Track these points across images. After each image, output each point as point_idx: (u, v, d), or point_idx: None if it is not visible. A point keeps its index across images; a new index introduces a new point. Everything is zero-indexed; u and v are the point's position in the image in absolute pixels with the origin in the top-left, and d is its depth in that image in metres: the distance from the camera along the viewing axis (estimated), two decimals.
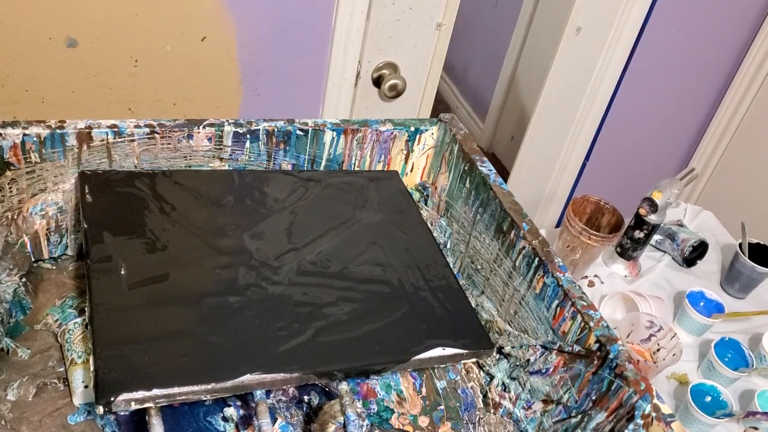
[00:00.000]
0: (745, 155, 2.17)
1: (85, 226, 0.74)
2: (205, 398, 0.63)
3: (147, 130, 0.79)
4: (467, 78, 3.38)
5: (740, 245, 1.39)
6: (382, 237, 0.86)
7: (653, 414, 0.63)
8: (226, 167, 0.87)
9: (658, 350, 1.13)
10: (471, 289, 0.91)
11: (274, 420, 0.68)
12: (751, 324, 1.34)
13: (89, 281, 0.68)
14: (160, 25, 1.15)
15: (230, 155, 0.86)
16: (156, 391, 0.60)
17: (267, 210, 0.83)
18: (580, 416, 0.70)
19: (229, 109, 1.32)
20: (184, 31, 1.17)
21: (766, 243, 1.40)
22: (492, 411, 0.78)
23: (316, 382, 0.71)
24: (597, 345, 0.70)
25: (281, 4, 1.22)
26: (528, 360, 0.77)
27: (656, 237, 1.45)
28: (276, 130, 0.86)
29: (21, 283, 0.75)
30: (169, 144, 0.81)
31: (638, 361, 1.12)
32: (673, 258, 1.47)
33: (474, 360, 0.81)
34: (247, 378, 0.64)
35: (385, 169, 0.97)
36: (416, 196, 0.99)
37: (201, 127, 0.82)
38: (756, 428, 1.11)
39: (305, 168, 0.91)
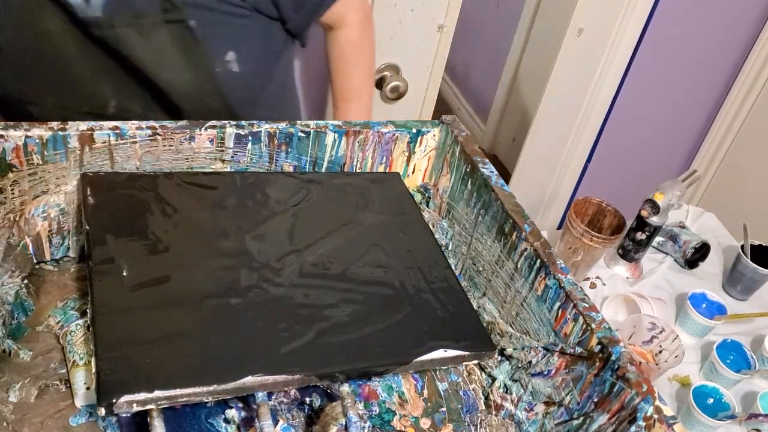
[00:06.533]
0: (747, 157, 2.17)
1: (87, 227, 0.74)
2: (206, 400, 0.63)
3: (149, 132, 0.79)
4: (469, 80, 3.39)
5: (742, 247, 1.39)
6: (383, 239, 0.86)
7: (655, 416, 0.63)
8: (228, 169, 0.87)
9: (660, 352, 1.13)
10: (473, 291, 0.90)
11: (275, 422, 0.68)
12: (754, 326, 1.33)
13: (91, 283, 0.68)
14: None
15: (232, 157, 0.86)
16: (158, 393, 0.60)
17: (269, 212, 0.83)
18: (581, 418, 0.70)
19: None
20: None
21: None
22: (494, 413, 0.78)
23: (318, 384, 0.71)
24: (599, 347, 0.70)
25: None
26: (530, 362, 0.77)
27: (658, 239, 1.45)
28: (278, 131, 0.86)
29: (23, 285, 0.75)
30: (171, 146, 0.81)
31: (640, 362, 1.12)
32: (675, 260, 1.47)
33: (476, 362, 0.80)
34: (249, 380, 0.64)
35: (387, 170, 0.97)
36: (418, 197, 0.99)
37: (203, 129, 0.82)
38: (758, 430, 1.11)
39: (307, 170, 0.91)
